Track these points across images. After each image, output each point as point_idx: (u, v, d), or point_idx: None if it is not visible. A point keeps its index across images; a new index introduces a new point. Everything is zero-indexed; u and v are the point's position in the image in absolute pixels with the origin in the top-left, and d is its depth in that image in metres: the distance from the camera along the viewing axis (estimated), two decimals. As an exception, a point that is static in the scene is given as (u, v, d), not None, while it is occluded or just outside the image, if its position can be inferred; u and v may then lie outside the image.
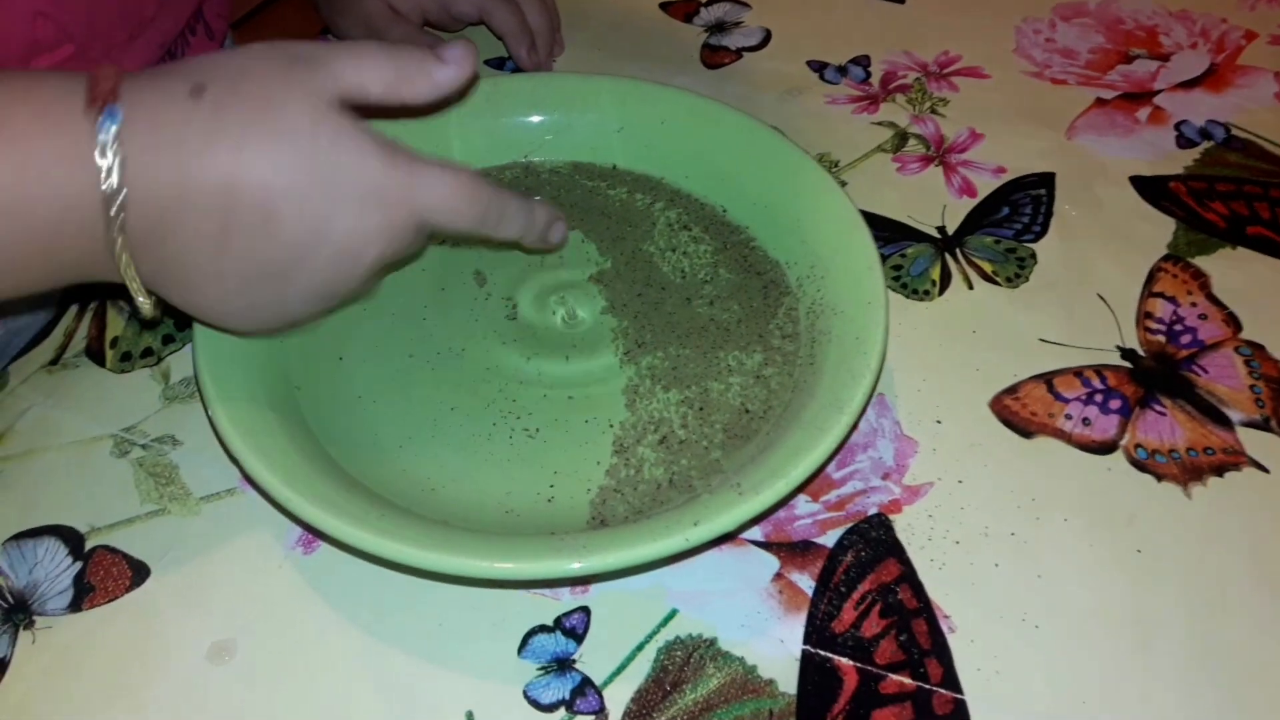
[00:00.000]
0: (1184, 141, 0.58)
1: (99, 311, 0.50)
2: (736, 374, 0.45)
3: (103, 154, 0.31)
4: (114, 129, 0.31)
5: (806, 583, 0.40)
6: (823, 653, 0.38)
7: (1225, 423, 0.46)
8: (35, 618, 0.39)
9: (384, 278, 0.41)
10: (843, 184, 0.55)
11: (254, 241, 0.33)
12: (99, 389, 0.47)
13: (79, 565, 0.41)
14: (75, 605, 0.40)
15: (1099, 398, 0.46)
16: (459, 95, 0.41)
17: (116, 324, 0.49)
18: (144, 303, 0.35)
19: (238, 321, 0.37)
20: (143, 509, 0.42)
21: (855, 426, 0.40)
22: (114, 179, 0.31)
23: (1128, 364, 0.48)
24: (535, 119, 0.54)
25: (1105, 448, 0.45)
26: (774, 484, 0.36)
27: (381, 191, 0.34)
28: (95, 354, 0.48)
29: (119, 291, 0.35)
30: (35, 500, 0.43)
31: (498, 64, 0.63)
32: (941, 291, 0.51)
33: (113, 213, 0.31)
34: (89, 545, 0.41)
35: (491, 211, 0.38)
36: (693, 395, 0.44)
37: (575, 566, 0.35)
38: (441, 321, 0.48)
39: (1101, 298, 0.50)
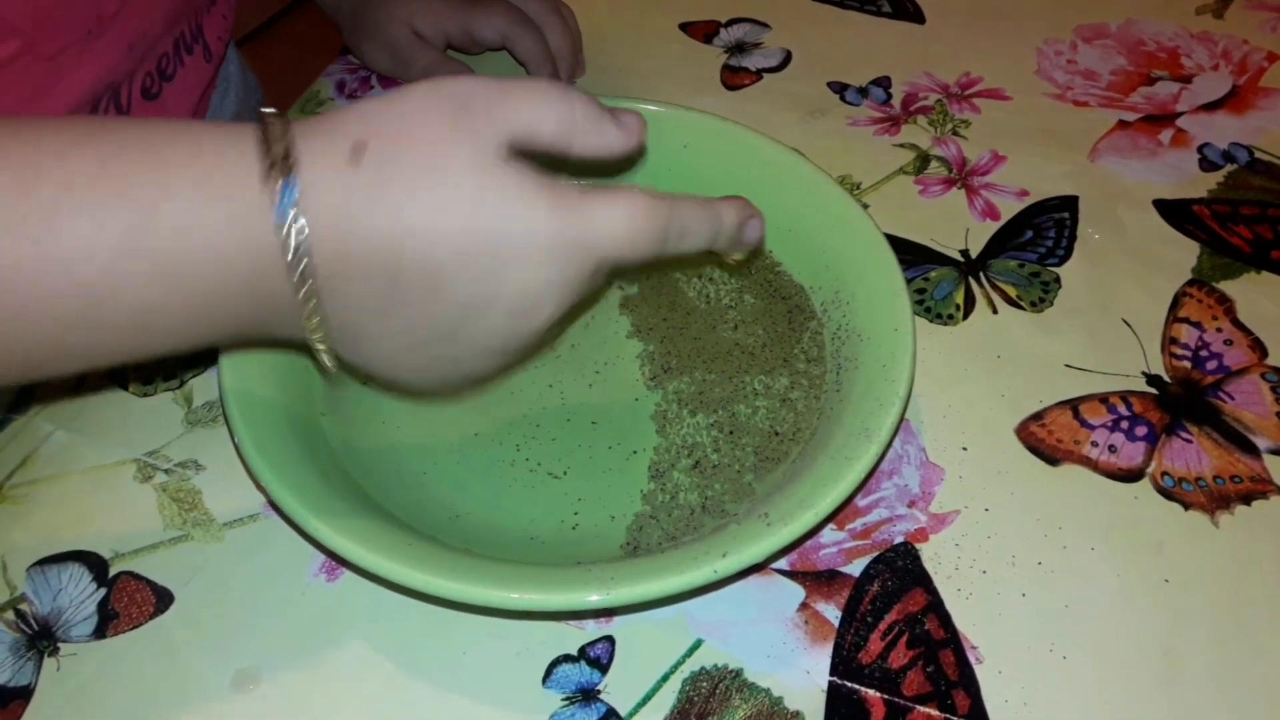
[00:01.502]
0: (1207, 164, 0.58)
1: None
2: (763, 397, 0.44)
3: (285, 229, 0.30)
4: (293, 203, 0.30)
5: (833, 612, 0.40)
6: (849, 684, 0.38)
7: (1252, 450, 0.45)
8: (60, 645, 0.39)
9: (569, 325, 0.40)
10: (865, 206, 0.55)
11: (421, 305, 0.32)
12: (121, 413, 0.47)
13: (103, 591, 0.41)
14: (99, 632, 0.40)
15: (1125, 424, 0.46)
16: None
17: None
18: (327, 360, 0.34)
19: (411, 377, 0.36)
20: (166, 535, 0.42)
21: (883, 455, 0.40)
22: (296, 247, 0.30)
23: (1153, 390, 0.47)
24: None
25: (1132, 475, 0.44)
26: (802, 515, 0.36)
27: (553, 245, 0.32)
28: (118, 377, 0.48)
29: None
30: (58, 526, 0.43)
31: (518, 85, 0.63)
32: (966, 316, 0.50)
33: (295, 279, 0.31)
34: (113, 571, 0.41)
35: (673, 229, 0.34)
36: (721, 419, 0.44)
37: (599, 599, 0.34)
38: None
39: (1126, 323, 0.50)
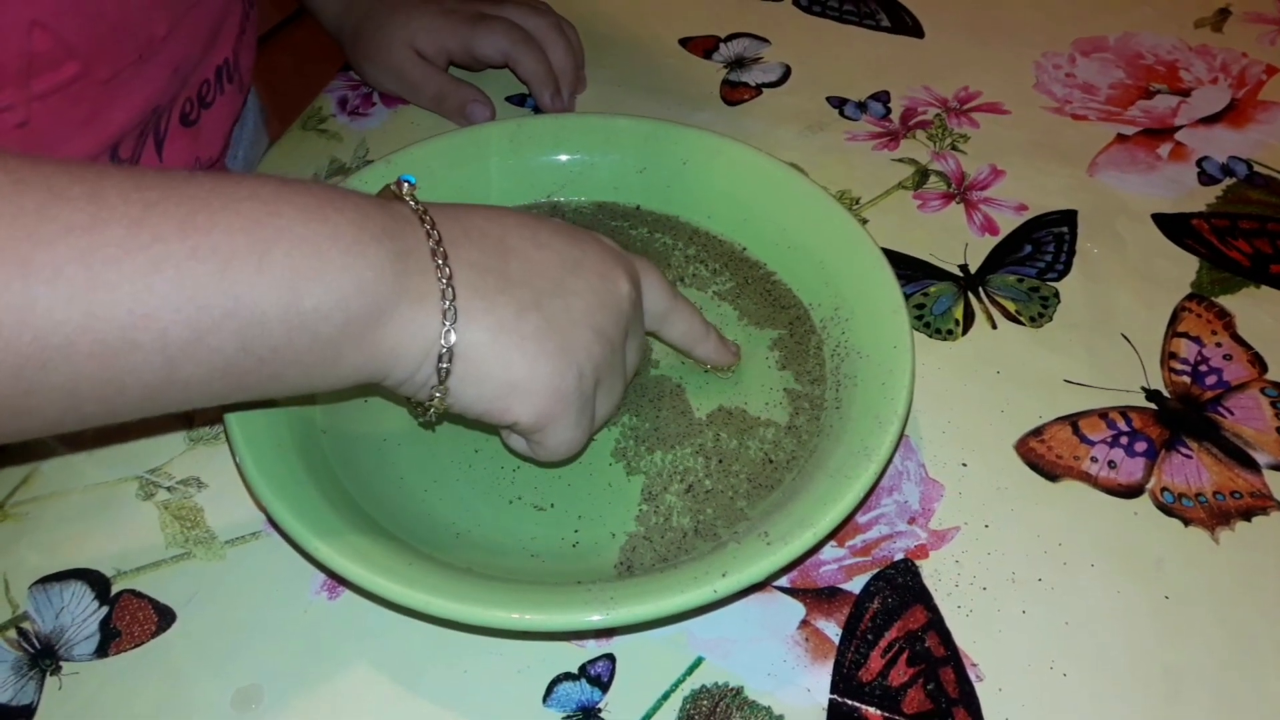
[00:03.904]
0: (1206, 178, 0.58)
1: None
2: (766, 428, 0.45)
3: (443, 356, 0.35)
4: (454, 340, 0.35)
5: (833, 630, 0.40)
6: (850, 702, 0.38)
7: (1252, 465, 0.45)
8: (62, 663, 0.39)
9: (632, 382, 0.44)
10: (864, 221, 0.55)
11: (530, 255, 0.38)
12: (124, 429, 0.47)
13: (105, 610, 0.41)
14: (101, 651, 0.40)
15: (1125, 440, 0.46)
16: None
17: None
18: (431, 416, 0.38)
19: (540, 349, 0.37)
20: (168, 553, 0.43)
21: (883, 473, 0.40)
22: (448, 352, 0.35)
23: (1153, 406, 0.47)
24: (561, 158, 0.54)
25: (1132, 491, 0.44)
26: (802, 534, 0.36)
27: (610, 248, 0.40)
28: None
29: None
30: (61, 543, 0.43)
31: (519, 100, 0.63)
32: (965, 331, 0.50)
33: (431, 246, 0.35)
34: (115, 589, 0.41)
35: (676, 304, 0.43)
36: (712, 450, 0.44)
37: (600, 619, 0.35)
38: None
39: (1125, 338, 0.50)
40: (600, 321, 0.38)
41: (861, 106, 0.63)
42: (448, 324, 0.34)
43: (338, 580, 0.41)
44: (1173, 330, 0.51)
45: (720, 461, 0.43)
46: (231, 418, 0.40)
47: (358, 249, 0.32)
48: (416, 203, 0.36)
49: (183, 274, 0.29)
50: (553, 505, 0.42)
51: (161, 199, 0.29)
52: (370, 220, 0.33)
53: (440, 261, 0.34)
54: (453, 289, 0.34)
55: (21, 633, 0.40)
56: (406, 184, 0.37)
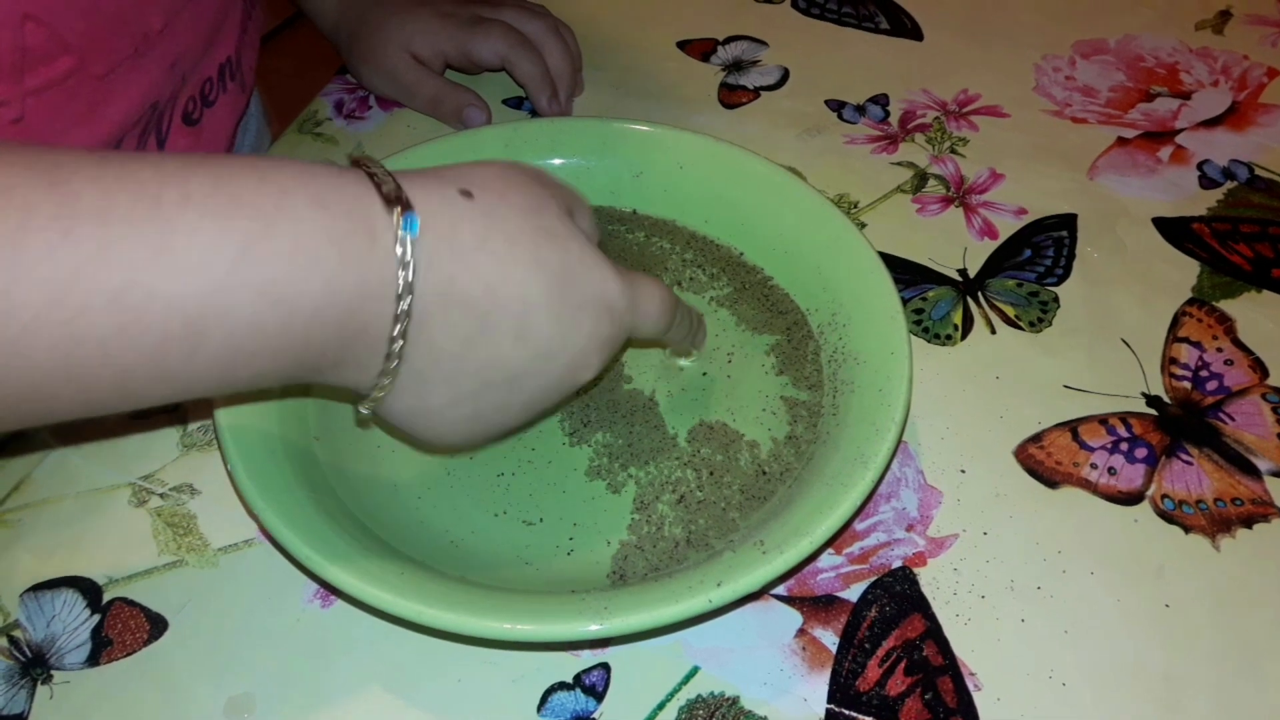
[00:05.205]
0: (1207, 181, 0.58)
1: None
2: (753, 447, 0.44)
3: (403, 261, 0.31)
4: (413, 233, 0.31)
5: (830, 639, 0.40)
6: (847, 712, 0.38)
7: (1253, 472, 0.45)
8: (53, 672, 0.39)
9: (577, 394, 0.43)
10: (862, 225, 0.55)
11: (503, 346, 0.34)
12: (116, 435, 0.46)
13: (97, 618, 0.41)
14: (93, 659, 0.39)
15: (1125, 446, 0.46)
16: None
17: (135, 370, 0.49)
18: (366, 409, 0.35)
19: (451, 429, 0.36)
20: (160, 560, 0.42)
21: (880, 480, 0.39)
22: (409, 281, 0.31)
23: (1153, 411, 0.47)
24: (555, 162, 0.53)
25: (1132, 498, 0.44)
26: (798, 543, 0.36)
27: (614, 305, 0.36)
28: (114, 400, 0.48)
29: None
30: (52, 550, 0.43)
31: (516, 104, 0.63)
32: (964, 336, 0.50)
33: (399, 310, 0.31)
34: (107, 597, 0.41)
35: (678, 319, 0.40)
36: (705, 462, 0.44)
37: (594, 629, 0.34)
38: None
39: (1125, 343, 0.50)
40: (536, 401, 0.37)
41: (860, 110, 0.62)
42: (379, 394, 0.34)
43: (330, 590, 0.41)
44: (1173, 335, 0.50)
45: (712, 474, 0.43)
46: (224, 425, 0.40)
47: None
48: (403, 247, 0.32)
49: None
50: (541, 520, 0.42)
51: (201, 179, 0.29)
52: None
53: (393, 350, 0.32)
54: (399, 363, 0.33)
55: (13, 641, 0.40)
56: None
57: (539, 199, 0.35)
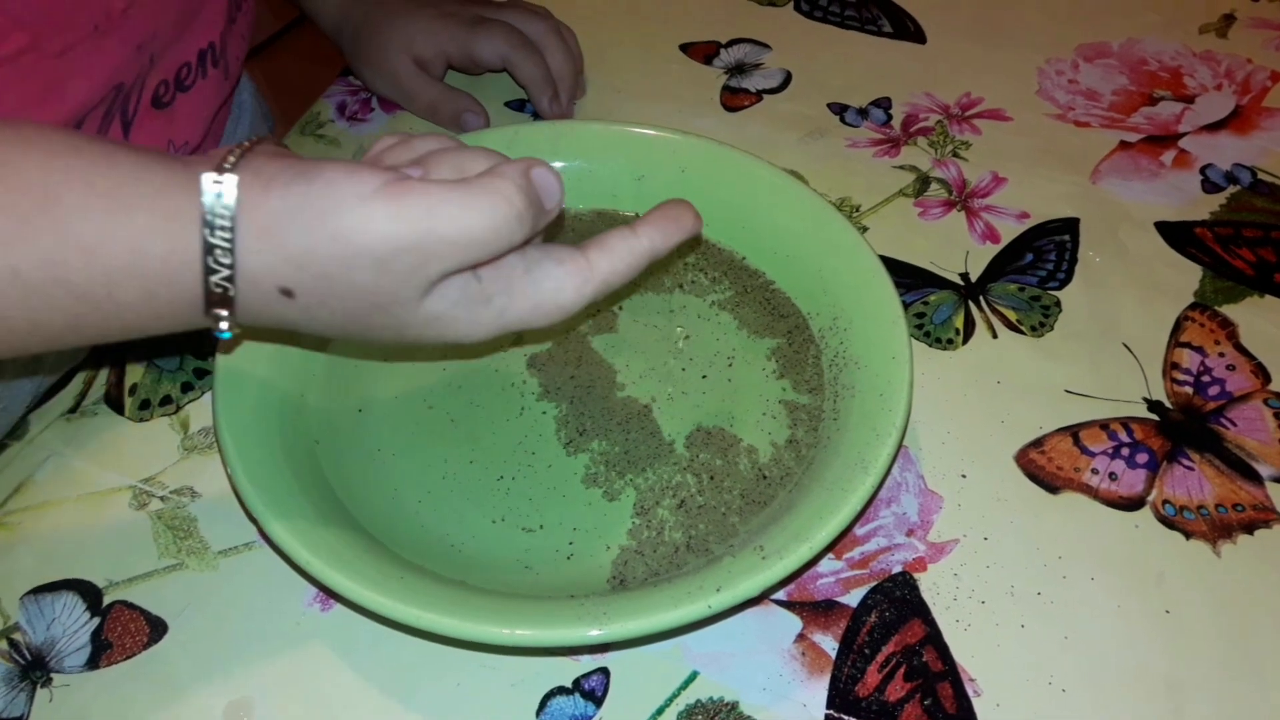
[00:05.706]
0: (1210, 185, 0.58)
1: (118, 358, 0.50)
2: (751, 452, 0.44)
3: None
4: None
5: (830, 644, 0.40)
6: (846, 717, 0.38)
7: (1255, 478, 0.45)
8: (53, 675, 0.39)
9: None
10: (864, 229, 0.55)
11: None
12: (118, 438, 0.47)
13: (97, 621, 0.41)
14: (93, 662, 0.39)
15: (1126, 451, 0.46)
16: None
17: (135, 371, 0.49)
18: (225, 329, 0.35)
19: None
20: (161, 563, 0.42)
21: (881, 485, 0.39)
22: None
23: (1155, 416, 0.47)
24: (556, 165, 0.53)
25: (1133, 504, 0.44)
26: (797, 548, 0.36)
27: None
28: (114, 401, 0.48)
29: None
30: (53, 553, 0.43)
31: (518, 106, 0.63)
32: (965, 340, 0.50)
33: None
34: (107, 600, 0.41)
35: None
36: (708, 465, 0.44)
37: (594, 634, 0.34)
38: (462, 372, 0.47)
39: (1127, 347, 0.50)
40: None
41: (862, 113, 0.62)
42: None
43: (329, 594, 0.41)
44: (1175, 340, 0.50)
45: (712, 478, 0.43)
46: (224, 428, 0.40)
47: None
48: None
49: None
50: (541, 526, 0.42)
51: None
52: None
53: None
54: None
55: (12, 644, 0.40)
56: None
57: (371, 299, 0.34)
